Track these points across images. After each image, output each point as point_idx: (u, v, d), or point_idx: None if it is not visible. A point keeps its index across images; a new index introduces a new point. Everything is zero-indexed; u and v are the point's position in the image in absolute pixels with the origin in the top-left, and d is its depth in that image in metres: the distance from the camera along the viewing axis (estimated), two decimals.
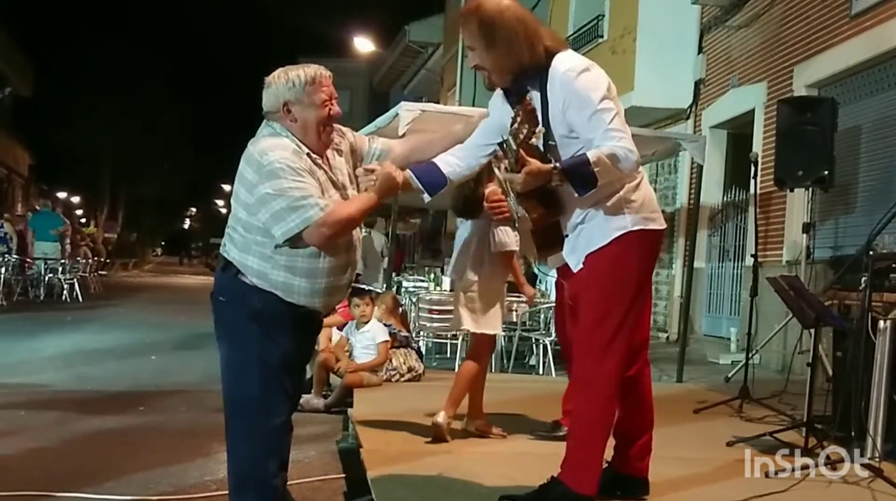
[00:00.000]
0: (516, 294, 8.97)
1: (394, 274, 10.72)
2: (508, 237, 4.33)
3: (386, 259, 10.19)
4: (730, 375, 6.78)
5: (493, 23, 2.85)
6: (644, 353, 3.22)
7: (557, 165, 2.82)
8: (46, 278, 15.06)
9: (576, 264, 3.01)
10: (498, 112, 3.12)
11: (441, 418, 4.13)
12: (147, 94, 36.63)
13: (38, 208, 18.10)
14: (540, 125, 2.85)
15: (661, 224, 3.03)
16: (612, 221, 2.92)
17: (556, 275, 8.94)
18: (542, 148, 2.93)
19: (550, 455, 3.91)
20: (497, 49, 2.87)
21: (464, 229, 4.44)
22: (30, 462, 4.01)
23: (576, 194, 2.84)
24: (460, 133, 3.23)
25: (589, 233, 2.96)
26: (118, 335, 9.61)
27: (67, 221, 17.83)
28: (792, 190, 7.52)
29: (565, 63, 2.85)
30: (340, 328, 6.26)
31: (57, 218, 16.48)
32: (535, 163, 2.77)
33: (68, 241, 16.86)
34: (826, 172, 6.64)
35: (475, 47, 2.92)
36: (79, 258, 15.75)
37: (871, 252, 3.84)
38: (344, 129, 3.07)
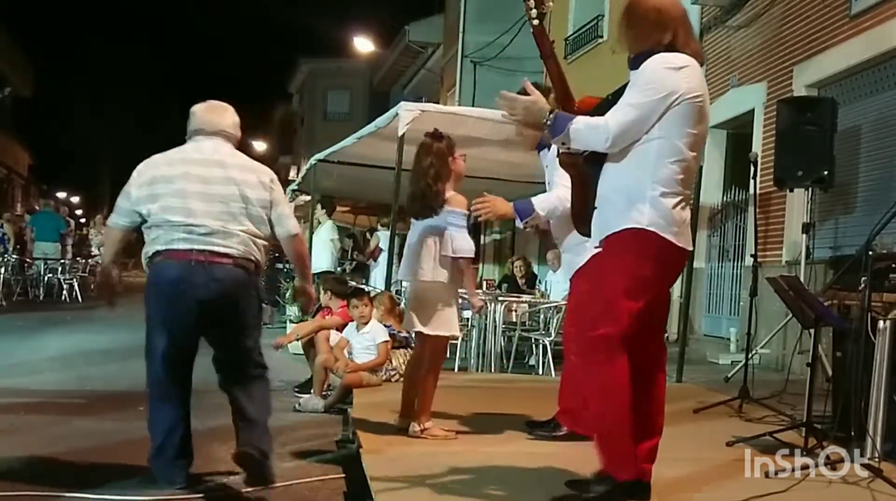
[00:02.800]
0: (516, 295, 9.02)
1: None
2: (467, 243, 4.29)
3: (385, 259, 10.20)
4: (730, 375, 6.78)
5: (632, 7, 3.15)
6: (658, 358, 3.24)
7: (555, 110, 3.09)
8: (46, 278, 15.06)
9: (597, 246, 3.18)
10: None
11: (414, 428, 4.23)
12: (147, 94, 36.71)
13: (37, 208, 18.11)
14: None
15: (681, 242, 3.06)
16: (631, 211, 3.02)
17: (558, 274, 8.95)
18: None
19: (550, 454, 3.93)
20: (629, 30, 3.14)
21: (415, 230, 4.41)
22: (30, 462, 4.01)
23: (555, 140, 3.13)
24: None
25: (607, 215, 3.10)
26: (118, 335, 9.57)
27: (72, 221, 17.85)
28: (791, 190, 7.53)
29: (659, 55, 3.03)
30: (340, 330, 6.26)
31: (58, 218, 16.49)
32: (538, 95, 3.11)
33: (71, 242, 16.88)
34: (826, 173, 6.64)
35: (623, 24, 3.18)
36: (78, 258, 15.73)
37: (870, 252, 3.83)
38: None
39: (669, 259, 3.07)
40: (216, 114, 3.75)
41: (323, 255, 11.13)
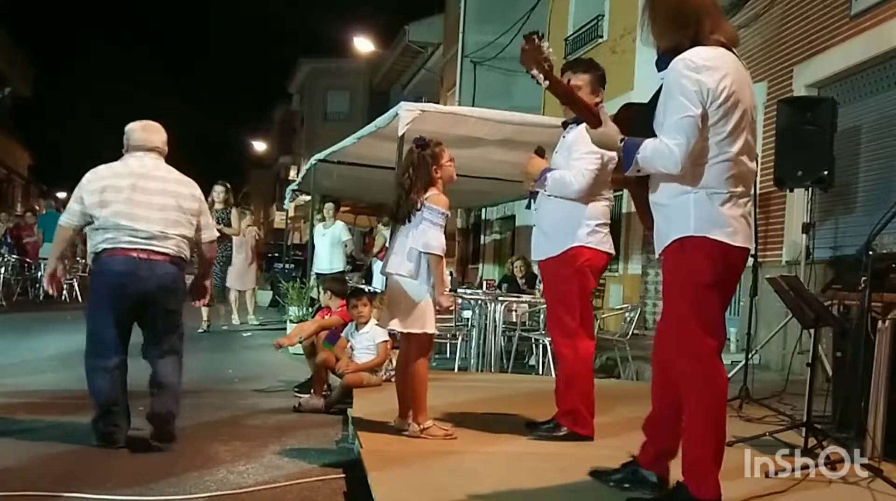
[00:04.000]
0: (516, 295, 9.01)
1: None
2: (437, 240, 4.26)
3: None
4: (729, 375, 6.76)
5: (656, 1, 3.09)
6: None
7: (625, 138, 3.04)
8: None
9: (658, 256, 3.14)
10: None
11: (414, 428, 4.26)
12: (147, 93, 36.74)
13: (37, 207, 18.10)
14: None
15: (737, 241, 2.96)
16: (679, 218, 2.97)
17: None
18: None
19: (551, 455, 3.93)
20: (654, 25, 3.09)
21: (400, 230, 4.45)
22: (30, 463, 4.01)
23: (628, 173, 3.04)
24: None
25: (659, 225, 3.07)
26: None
27: None
28: (792, 190, 7.52)
29: (679, 58, 2.95)
30: (339, 329, 6.26)
31: None
32: (611, 125, 3.09)
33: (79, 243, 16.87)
34: (826, 173, 6.63)
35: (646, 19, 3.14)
36: (78, 258, 15.71)
37: (870, 252, 3.83)
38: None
39: (725, 261, 2.96)
40: (151, 133, 4.50)
41: (336, 256, 11.13)
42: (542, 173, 4.33)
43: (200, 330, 10.18)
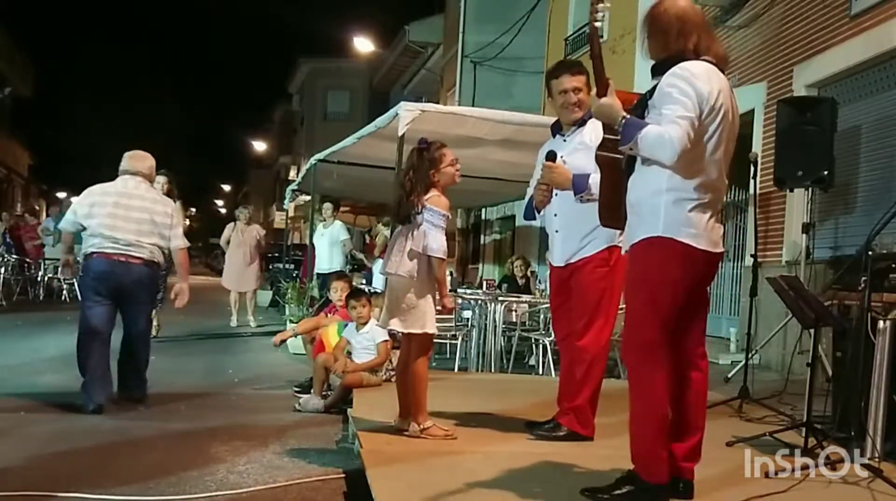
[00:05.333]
0: (516, 295, 9.01)
1: None
2: (438, 243, 4.25)
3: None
4: (730, 375, 6.78)
5: (654, 17, 3.29)
6: (691, 358, 3.27)
7: (626, 115, 3.14)
8: (46, 278, 15.04)
9: (625, 250, 3.31)
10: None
11: (414, 428, 4.25)
12: (147, 93, 36.72)
13: (37, 207, 18.12)
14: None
15: (702, 244, 3.09)
16: (649, 219, 3.12)
17: None
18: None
19: (550, 455, 3.93)
20: (651, 39, 3.30)
21: (400, 231, 4.43)
22: (30, 463, 4.01)
23: (623, 147, 3.17)
24: None
25: (631, 223, 3.22)
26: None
27: None
28: (792, 190, 7.52)
29: (678, 66, 3.12)
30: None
31: None
32: (615, 99, 3.20)
33: None
34: (826, 172, 6.64)
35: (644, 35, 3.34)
36: (78, 259, 15.72)
37: (870, 252, 3.84)
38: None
39: (688, 262, 3.10)
40: (136, 161, 5.69)
41: (335, 256, 11.10)
42: (582, 178, 4.18)
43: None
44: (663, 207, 3.09)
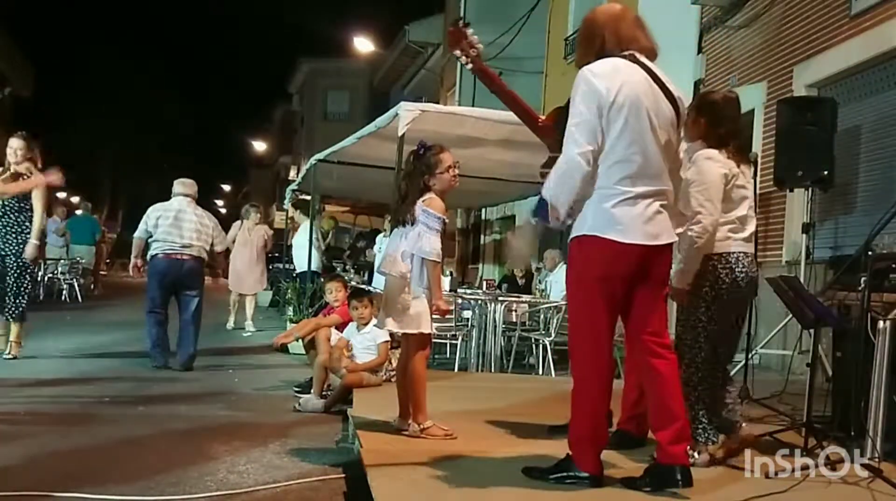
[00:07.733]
0: (516, 294, 9.01)
1: None
2: (431, 246, 4.25)
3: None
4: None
5: (584, 23, 3.47)
6: (652, 348, 3.31)
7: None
8: (47, 278, 15.03)
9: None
10: None
11: (414, 427, 4.27)
12: (147, 93, 36.71)
13: (74, 211, 18.37)
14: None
15: (628, 238, 3.17)
16: (579, 220, 3.26)
17: (557, 274, 8.94)
18: None
19: (550, 454, 3.92)
20: (577, 45, 3.50)
21: (396, 231, 4.47)
22: (30, 462, 4.01)
23: (552, 219, 3.35)
24: None
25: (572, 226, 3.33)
26: (118, 334, 9.60)
27: (105, 227, 17.98)
28: (792, 190, 7.53)
29: (581, 71, 3.25)
30: (339, 329, 6.26)
31: (94, 223, 16.72)
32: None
33: (106, 249, 17.15)
34: (826, 173, 6.64)
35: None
36: (78, 258, 15.70)
37: (870, 252, 3.84)
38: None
39: (617, 258, 3.19)
40: (186, 187, 7.63)
41: (302, 257, 11.32)
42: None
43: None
44: (590, 206, 3.21)
